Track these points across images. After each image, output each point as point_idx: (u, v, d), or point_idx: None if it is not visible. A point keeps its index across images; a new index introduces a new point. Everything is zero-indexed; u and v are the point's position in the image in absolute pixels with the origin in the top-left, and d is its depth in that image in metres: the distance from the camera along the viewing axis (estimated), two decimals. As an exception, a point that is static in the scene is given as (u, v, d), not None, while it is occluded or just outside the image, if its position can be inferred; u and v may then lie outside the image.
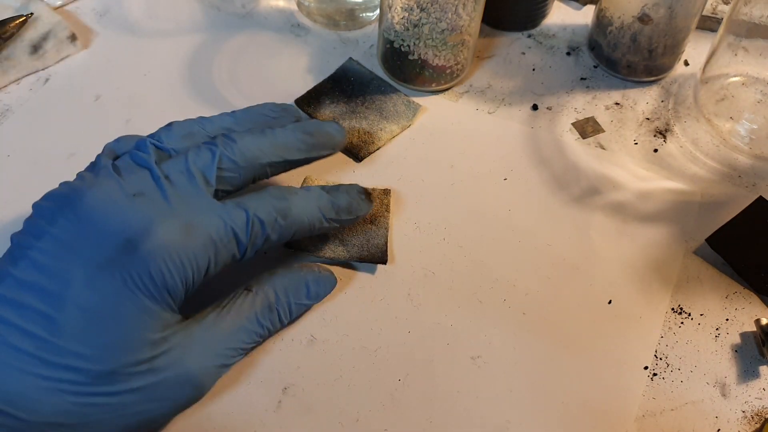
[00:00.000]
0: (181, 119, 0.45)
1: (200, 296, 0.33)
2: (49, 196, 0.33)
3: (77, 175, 0.34)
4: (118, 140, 0.36)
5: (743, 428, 0.35)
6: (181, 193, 0.32)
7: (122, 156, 0.34)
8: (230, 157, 0.34)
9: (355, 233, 0.40)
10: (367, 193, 0.39)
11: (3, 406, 0.27)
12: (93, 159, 0.43)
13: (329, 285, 0.37)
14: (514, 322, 0.38)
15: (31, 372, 0.28)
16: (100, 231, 0.30)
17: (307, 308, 0.37)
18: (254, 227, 0.33)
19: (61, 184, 0.34)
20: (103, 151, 0.36)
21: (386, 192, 0.42)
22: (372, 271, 0.39)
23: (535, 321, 0.38)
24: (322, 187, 0.37)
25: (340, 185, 0.38)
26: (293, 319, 0.36)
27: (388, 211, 0.41)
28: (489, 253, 0.40)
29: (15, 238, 0.31)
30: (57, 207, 0.31)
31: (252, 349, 0.35)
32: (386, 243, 0.40)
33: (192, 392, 0.31)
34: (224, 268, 0.33)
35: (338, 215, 0.36)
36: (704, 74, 0.47)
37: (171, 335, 0.30)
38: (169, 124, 0.36)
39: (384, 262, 0.39)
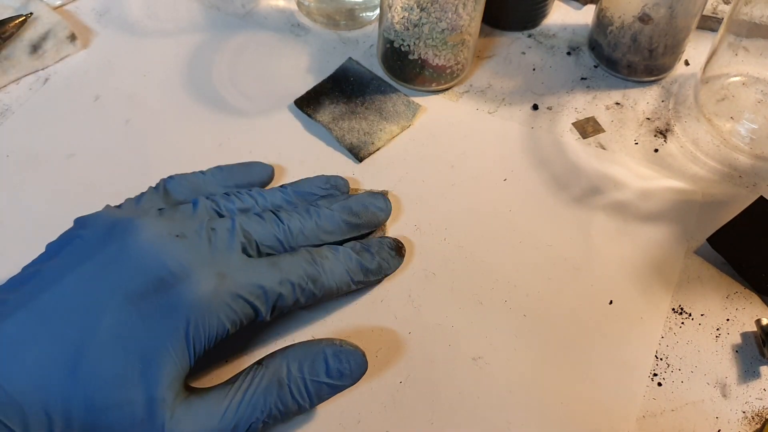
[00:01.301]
0: (181, 120, 0.45)
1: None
2: (95, 219, 0.32)
3: (126, 201, 0.35)
4: (172, 179, 0.37)
5: (744, 429, 0.35)
6: (220, 245, 0.32)
7: (176, 208, 0.34)
8: (276, 235, 0.34)
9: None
10: (398, 248, 0.38)
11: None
12: (93, 159, 0.43)
13: (355, 361, 0.33)
14: (515, 323, 0.38)
15: (38, 384, 0.28)
16: (137, 264, 0.30)
17: (332, 390, 0.32)
18: (284, 289, 0.32)
19: (106, 208, 0.34)
20: (156, 188, 0.36)
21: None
22: (372, 272, 0.39)
23: (536, 322, 0.38)
24: (353, 246, 0.36)
25: (371, 241, 0.38)
26: (314, 401, 0.32)
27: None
28: (490, 254, 0.40)
29: (54, 252, 0.32)
30: (103, 233, 0.31)
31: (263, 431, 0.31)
32: (386, 244, 0.40)
33: None
34: (248, 326, 0.32)
35: (366, 277, 0.36)
36: (705, 74, 0.47)
37: (170, 402, 0.29)
38: (227, 194, 0.36)
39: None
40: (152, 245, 0.31)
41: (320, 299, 0.35)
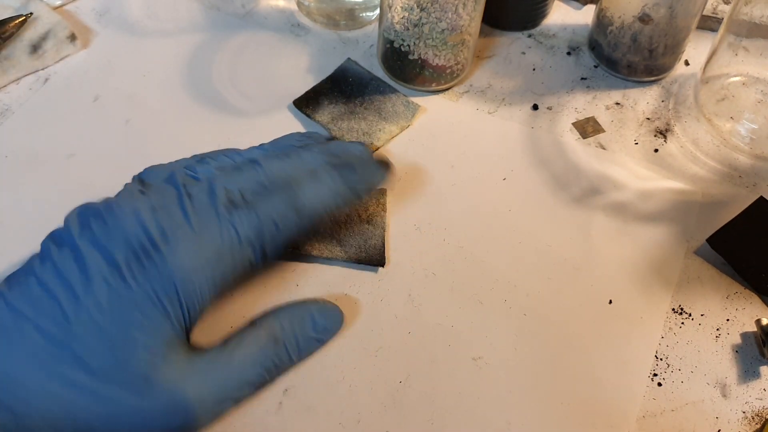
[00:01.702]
0: (181, 120, 0.45)
1: (211, 330, 0.34)
2: (78, 209, 0.33)
3: (103, 200, 0.35)
4: (148, 170, 0.36)
5: (743, 429, 0.35)
6: (198, 207, 0.32)
7: (152, 186, 0.34)
8: (256, 178, 0.34)
9: (352, 233, 0.40)
10: (380, 160, 0.38)
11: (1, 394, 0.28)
12: (93, 159, 0.43)
13: (335, 318, 0.36)
14: (515, 323, 0.38)
15: (36, 360, 0.28)
16: (118, 237, 0.31)
17: (317, 344, 0.35)
18: (268, 230, 0.33)
19: (85, 203, 0.34)
20: (132, 180, 0.36)
21: (383, 191, 0.42)
22: (372, 272, 0.39)
23: (536, 322, 0.38)
24: (334, 166, 0.35)
25: (351, 157, 0.37)
26: (303, 356, 0.35)
27: (384, 210, 0.41)
28: (490, 254, 0.40)
29: (43, 242, 0.32)
30: (85, 217, 0.32)
31: (260, 386, 0.33)
32: (383, 244, 0.39)
33: (185, 423, 0.30)
34: (244, 275, 0.33)
35: (356, 193, 0.36)
36: (705, 74, 0.47)
37: (172, 359, 0.30)
38: (202, 157, 0.36)
39: (382, 264, 0.39)
40: (131, 218, 0.31)
41: (314, 226, 0.35)
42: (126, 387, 0.29)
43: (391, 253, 0.40)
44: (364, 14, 0.51)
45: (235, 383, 0.31)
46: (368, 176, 0.36)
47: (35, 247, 0.33)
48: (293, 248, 0.39)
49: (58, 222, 0.33)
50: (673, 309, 0.39)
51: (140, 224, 0.31)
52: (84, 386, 0.28)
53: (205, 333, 0.35)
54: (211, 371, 0.31)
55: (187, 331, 0.31)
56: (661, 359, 0.37)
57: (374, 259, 0.39)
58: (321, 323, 0.35)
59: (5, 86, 0.47)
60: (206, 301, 0.31)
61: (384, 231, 0.40)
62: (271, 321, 0.34)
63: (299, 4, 0.52)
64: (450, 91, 0.48)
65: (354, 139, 0.44)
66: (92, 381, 0.28)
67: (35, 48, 0.48)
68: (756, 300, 0.39)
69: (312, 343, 0.35)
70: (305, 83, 0.47)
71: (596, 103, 0.48)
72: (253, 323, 0.34)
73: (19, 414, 0.28)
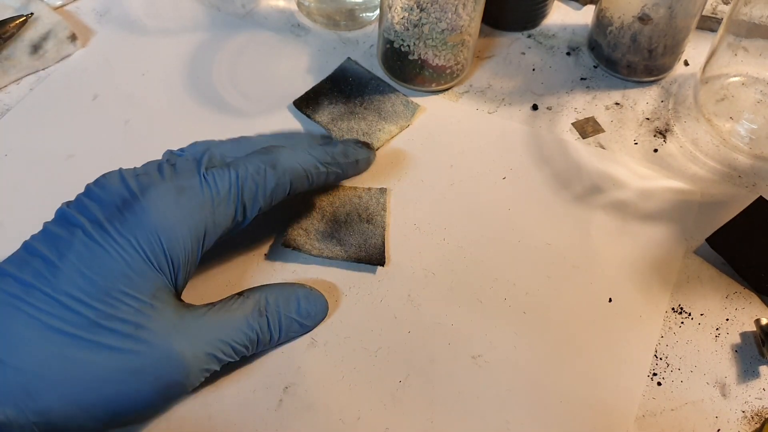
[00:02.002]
0: (180, 120, 0.45)
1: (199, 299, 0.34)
2: None
3: None
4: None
5: (743, 428, 0.35)
6: (179, 169, 0.34)
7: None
8: (240, 147, 0.36)
9: (352, 232, 0.40)
10: (364, 143, 0.40)
11: None
12: (92, 159, 0.43)
13: (320, 306, 0.37)
14: (515, 322, 0.38)
15: (23, 310, 0.29)
16: (106, 198, 0.32)
17: (299, 328, 0.36)
18: (247, 186, 0.34)
19: None
20: None
21: (383, 191, 0.42)
22: (372, 272, 0.39)
23: (536, 320, 0.38)
24: (313, 139, 0.39)
25: (333, 140, 0.40)
26: (283, 337, 0.35)
27: (384, 210, 0.41)
28: (489, 253, 0.40)
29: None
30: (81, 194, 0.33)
31: (241, 354, 0.33)
32: (383, 243, 0.40)
33: (176, 375, 0.30)
34: (227, 231, 0.34)
35: (334, 158, 0.37)
36: (704, 74, 0.47)
37: (162, 310, 0.31)
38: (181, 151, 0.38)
39: (382, 263, 0.39)
40: (115, 180, 0.32)
41: (294, 184, 0.36)
42: (117, 334, 0.29)
43: (390, 253, 0.40)
44: (364, 14, 0.51)
45: (220, 343, 0.32)
46: (348, 149, 0.39)
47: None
48: (294, 248, 0.39)
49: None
50: (673, 308, 0.39)
51: (122, 185, 0.32)
52: (71, 334, 0.29)
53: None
54: (199, 326, 0.32)
55: (176, 286, 0.32)
56: (660, 358, 0.37)
57: (374, 259, 0.39)
58: (305, 307, 0.36)
59: (6, 86, 0.47)
60: (190, 254, 0.32)
61: (384, 230, 0.40)
62: (257, 294, 0.35)
63: (299, 4, 0.52)
64: (450, 91, 0.48)
65: (354, 139, 0.44)
66: (79, 329, 0.29)
67: (36, 48, 0.48)
68: (755, 300, 0.39)
69: (293, 324, 0.36)
70: (305, 83, 0.48)
71: (596, 103, 0.48)
72: (241, 294, 0.35)
73: (10, 365, 0.28)
